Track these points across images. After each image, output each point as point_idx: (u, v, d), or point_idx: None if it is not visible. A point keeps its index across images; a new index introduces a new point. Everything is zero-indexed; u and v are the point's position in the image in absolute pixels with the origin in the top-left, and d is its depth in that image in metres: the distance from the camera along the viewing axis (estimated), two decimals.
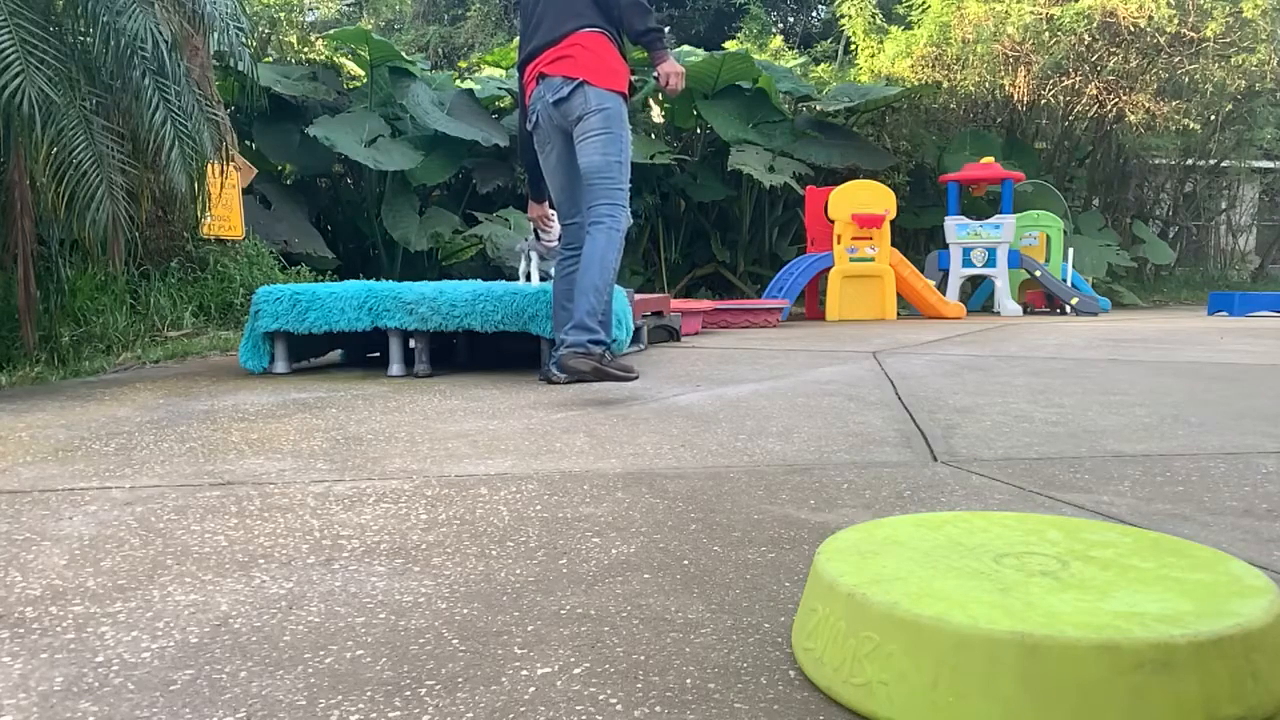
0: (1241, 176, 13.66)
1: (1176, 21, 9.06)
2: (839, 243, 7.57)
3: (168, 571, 1.39)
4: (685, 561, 1.41)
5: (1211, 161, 12.87)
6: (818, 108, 9.88)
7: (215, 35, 4.58)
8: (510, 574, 1.36)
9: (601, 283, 3.06)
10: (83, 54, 3.70)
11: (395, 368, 3.80)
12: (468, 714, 0.94)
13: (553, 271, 3.51)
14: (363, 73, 8.88)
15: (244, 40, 4.55)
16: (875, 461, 2.11)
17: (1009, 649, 0.86)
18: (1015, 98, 10.11)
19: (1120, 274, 10.60)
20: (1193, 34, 9.21)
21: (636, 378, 3.09)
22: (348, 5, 12.62)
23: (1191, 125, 10.00)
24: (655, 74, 3.20)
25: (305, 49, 9.00)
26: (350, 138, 7.81)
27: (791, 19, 16.64)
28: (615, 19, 3.17)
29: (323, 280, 6.38)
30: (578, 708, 0.95)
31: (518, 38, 3.48)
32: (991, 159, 8.56)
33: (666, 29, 10.98)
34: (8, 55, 3.24)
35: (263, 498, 1.82)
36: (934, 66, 10.09)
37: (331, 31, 8.97)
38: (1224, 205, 14.55)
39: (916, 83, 10.06)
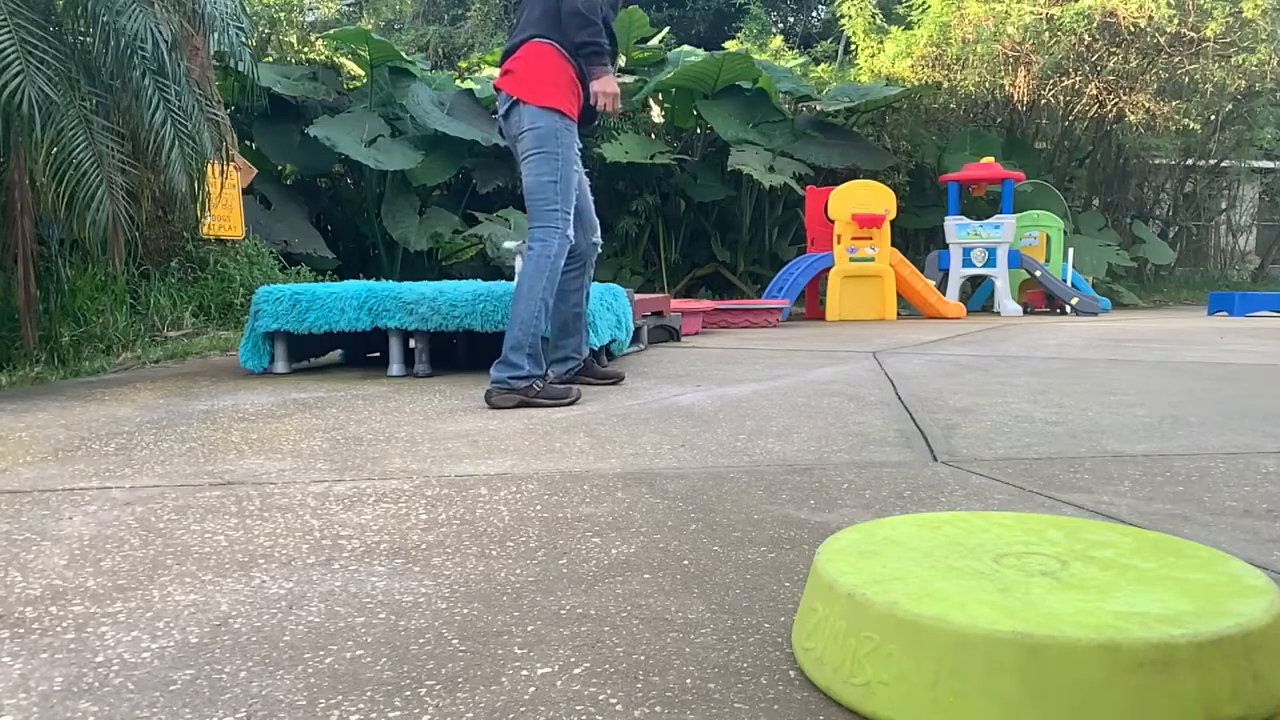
0: (1241, 176, 13.67)
1: (1176, 21, 9.06)
2: (839, 243, 7.57)
3: (168, 571, 1.39)
4: (685, 561, 1.41)
5: (1211, 161, 12.87)
6: (818, 108, 9.88)
7: (215, 35, 4.58)
8: (510, 574, 1.36)
9: (527, 315, 2.94)
10: (83, 54, 3.70)
11: (395, 368, 3.80)
12: (468, 714, 0.94)
13: None
14: (363, 73, 8.88)
15: (244, 40, 4.55)
16: (875, 461, 2.11)
17: (1009, 649, 0.86)
18: (1015, 98, 10.11)
19: (1120, 274, 10.60)
20: (1193, 34, 9.21)
21: (574, 401, 2.97)
22: (348, 5, 12.62)
23: (1191, 125, 10.01)
24: (590, 91, 3.02)
25: (305, 49, 9.01)
26: (350, 138, 7.81)
27: (791, 19, 16.64)
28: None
29: (323, 280, 6.38)
30: (578, 708, 0.95)
31: None
32: (991, 159, 8.56)
33: (664, 29, 10.97)
34: (8, 55, 3.24)
35: (263, 498, 1.82)
36: (934, 66, 10.09)
37: (331, 31, 8.97)
38: (1224, 205, 14.55)
39: (916, 83, 10.06)
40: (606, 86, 2.99)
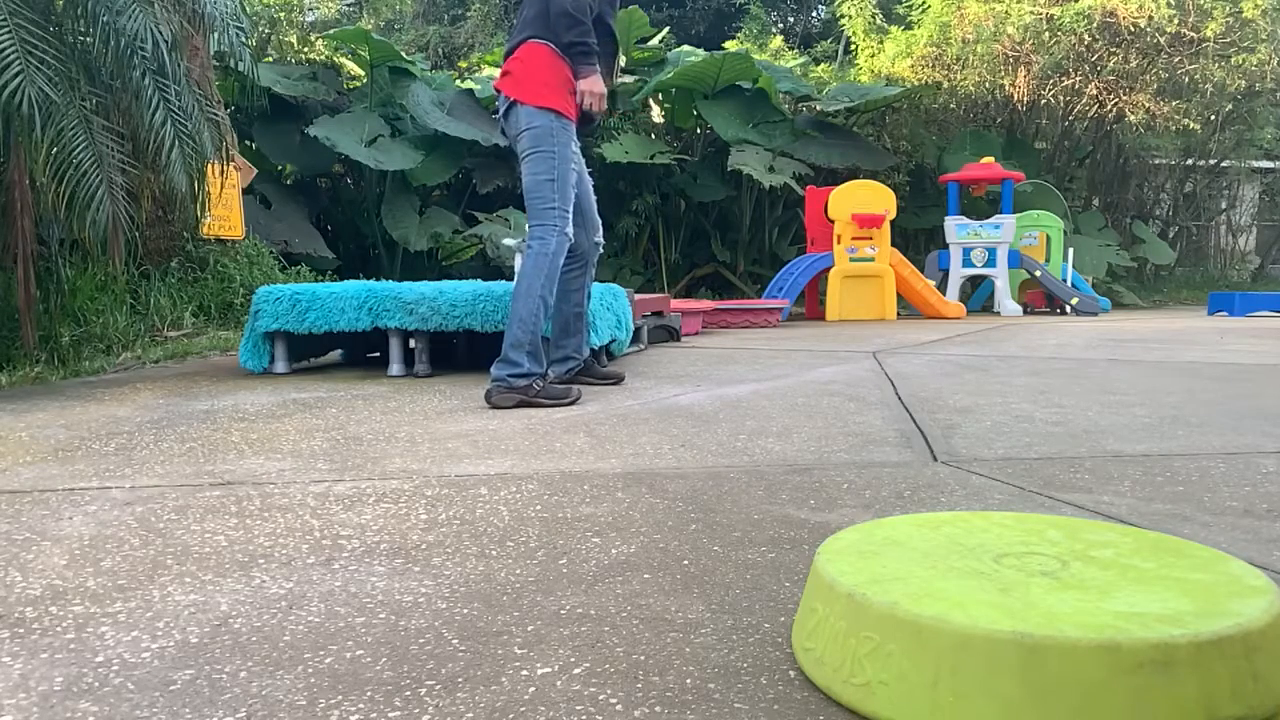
0: (1241, 176, 13.67)
1: (1176, 21, 9.06)
2: (839, 243, 7.57)
3: (168, 571, 1.39)
4: (685, 561, 1.41)
5: (1211, 161, 12.87)
6: (818, 108, 9.88)
7: (215, 35, 4.58)
8: (510, 574, 1.36)
9: (526, 313, 2.96)
10: (83, 54, 3.70)
11: (395, 368, 3.80)
12: (468, 714, 0.94)
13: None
14: (363, 73, 8.88)
15: (244, 40, 4.55)
16: (875, 461, 2.11)
17: (1009, 649, 0.86)
18: (1015, 98, 10.11)
19: (1120, 274, 10.60)
20: (1193, 34, 9.21)
21: (574, 401, 2.98)
22: (348, 5, 12.61)
23: (1191, 125, 10.00)
24: (578, 90, 3.03)
25: (305, 49, 9.01)
26: (350, 138, 7.81)
27: (791, 19, 16.64)
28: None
29: (323, 280, 6.38)
30: (578, 708, 0.95)
31: None
32: (991, 159, 8.56)
33: (664, 29, 10.97)
34: (8, 55, 3.24)
35: (263, 498, 1.82)
36: (934, 66, 10.08)
37: (331, 31, 8.97)
38: (1224, 205, 14.55)
39: (916, 83, 10.06)
40: (593, 86, 3.01)
